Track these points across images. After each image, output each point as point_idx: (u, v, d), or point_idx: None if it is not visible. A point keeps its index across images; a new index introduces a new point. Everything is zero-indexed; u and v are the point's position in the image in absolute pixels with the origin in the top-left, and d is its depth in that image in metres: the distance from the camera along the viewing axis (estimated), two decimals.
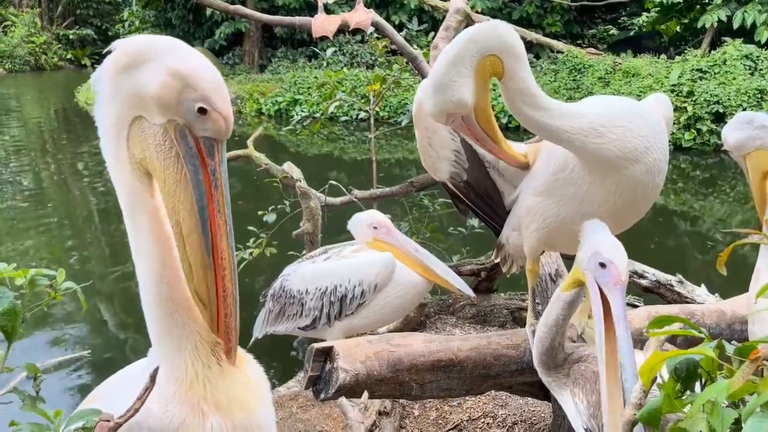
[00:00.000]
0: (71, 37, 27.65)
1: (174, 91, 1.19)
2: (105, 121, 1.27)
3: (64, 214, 8.74)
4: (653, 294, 3.95)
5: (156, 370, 1.18)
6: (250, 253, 4.41)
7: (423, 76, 4.14)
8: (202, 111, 1.21)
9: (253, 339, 3.45)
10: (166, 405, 1.28)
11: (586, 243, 1.90)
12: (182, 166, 1.24)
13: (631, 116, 2.09)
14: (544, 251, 2.86)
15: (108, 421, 1.11)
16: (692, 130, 11.55)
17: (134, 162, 1.26)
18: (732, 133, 2.28)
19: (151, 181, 1.29)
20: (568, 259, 3.54)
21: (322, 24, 4.28)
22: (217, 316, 1.30)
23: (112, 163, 1.28)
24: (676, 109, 11.18)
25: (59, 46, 27.49)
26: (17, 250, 7.03)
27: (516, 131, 9.99)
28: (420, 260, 3.15)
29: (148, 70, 1.20)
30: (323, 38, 4.41)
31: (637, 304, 3.80)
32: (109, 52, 1.24)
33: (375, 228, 3.20)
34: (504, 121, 10.99)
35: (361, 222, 3.25)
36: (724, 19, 13.61)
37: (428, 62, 4.28)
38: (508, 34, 1.96)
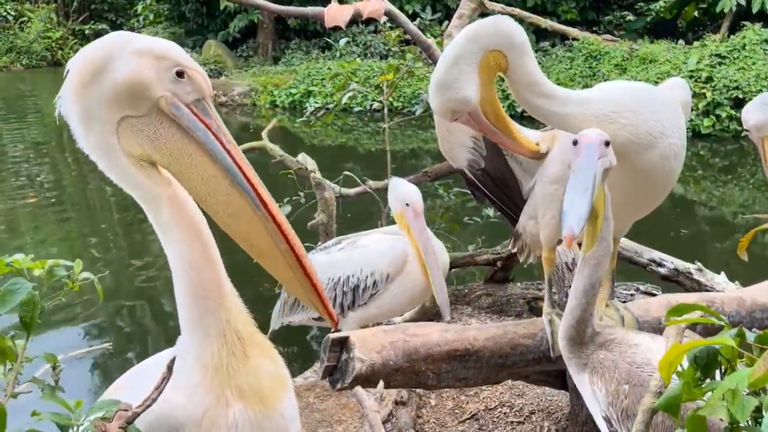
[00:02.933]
0: (87, 32, 27.80)
1: (150, 68, 1.23)
2: (91, 142, 1.27)
3: (82, 207, 8.83)
4: (672, 282, 3.90)
5: (173, 360, 1.19)
6: None
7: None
8: (180, 74, 1.24)
9: (270, 330, 3.47)
10: (192, 394, 1.29)
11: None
12: (189, 140, 1.25)
13: (644, 100, 2.05)
14: (561, 240, 2.83)
15: (126, 410, 1.12)
16: (711, 116, 11.36)
17: (136, 161, 1.27)
18: (753, 114, 2.23)
19: (160, 172, 1.29)
20: None
21: (335, 14, 4.26)
22: (298, 266, 1.32)
23: (118, 177, 1.29)
24: (694, 95, 10.99)
25: (75, 41, 27.67)
26: (35, 242, 7.11)
27: (532, 120, 9.89)
28: (424, 261, 3.09)
29: (118, 64, 1.22)
30: (336, 29, 4.39)
31: (655, 292, 3.76)
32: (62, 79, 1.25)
33: (407, 204, 3.13)
34: (519, 109, 10.89)
35: (400, 190, 3.16)
36: (743, 3, 13.37)
37: (442, 51, 4.25)
38: (508, 29, 1.92)
